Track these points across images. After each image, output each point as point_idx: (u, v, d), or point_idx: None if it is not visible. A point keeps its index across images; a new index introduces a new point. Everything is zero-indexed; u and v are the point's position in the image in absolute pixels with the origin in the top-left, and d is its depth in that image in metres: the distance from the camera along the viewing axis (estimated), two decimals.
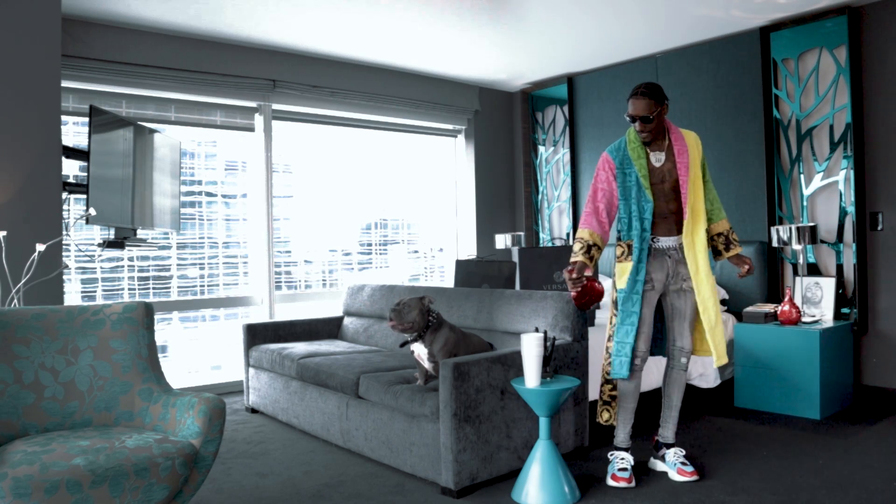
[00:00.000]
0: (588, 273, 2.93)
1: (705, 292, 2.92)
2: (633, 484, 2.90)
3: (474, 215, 6.39)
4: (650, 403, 3.99)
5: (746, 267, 3.04)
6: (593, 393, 3.55)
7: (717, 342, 2.93)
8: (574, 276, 2.87)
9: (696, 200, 2.94)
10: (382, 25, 4.65)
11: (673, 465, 2.99)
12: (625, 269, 2.98)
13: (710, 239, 3.09)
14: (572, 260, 2.96)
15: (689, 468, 2.95)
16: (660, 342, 3.16)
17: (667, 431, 3.10)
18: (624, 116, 3.15)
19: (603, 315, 4.30)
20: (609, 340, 3.05)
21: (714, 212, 3.08)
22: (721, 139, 4.94)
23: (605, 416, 3.12)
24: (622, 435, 3.06)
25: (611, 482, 2.92)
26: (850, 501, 2.66)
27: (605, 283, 5.19)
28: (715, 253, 3.11)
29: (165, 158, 4.43)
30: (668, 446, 3.08)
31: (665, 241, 2.99)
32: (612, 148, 3.04)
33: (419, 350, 3.12)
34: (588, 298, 2.91)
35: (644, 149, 2.99)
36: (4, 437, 2.27)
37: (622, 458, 2.99)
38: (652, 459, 3.16)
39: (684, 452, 3.05)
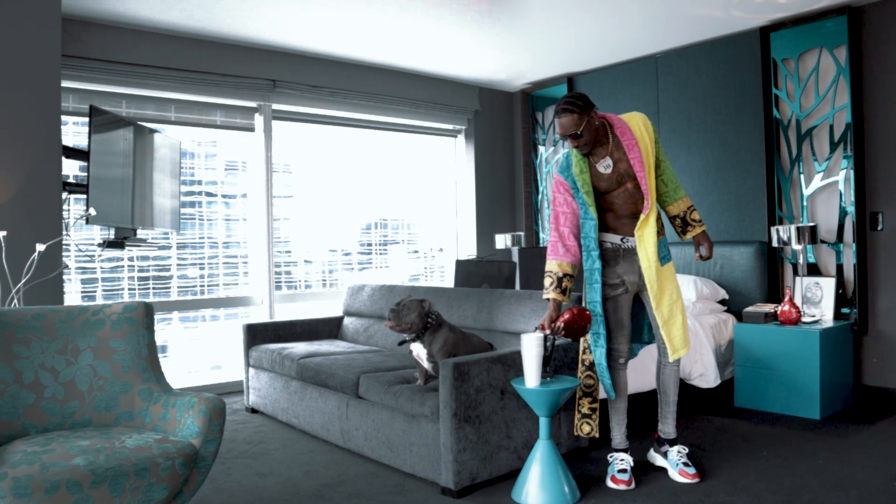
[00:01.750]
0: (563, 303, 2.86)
1: (654, 287, 2.85)
2: (632, 486, 2.89)
3: (474, 215, 6.39)
4: (649, 403, 3.99)
5: (704, 249, 2.98)
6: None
7: (673, 336, 2.89)
8: (551, 325, 2.79)
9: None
10: (382, 25, 4.65)
11: (675, 464, 2.98)
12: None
13: (671, 220, 3.04)
14: (545, 296, 2.88)
15: (692, 470, 2.94)
16: (645, 330, 3.12)
17: (667, 427, 3.08)
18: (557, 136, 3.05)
19: None
20: (584, 353, 3.03)
21: (668, 193, 2.98)
22: (721, 139, 4.94)
23: (586, 429, 3.06)
24: (618, 436, 3.04)
25: (611, 484, 2.91)
26: (850, 501, 2.66)
27: None
28: (676, 230, 3.04)
29: (165, 158, 4.43)
30: (671, 443, 3.05)
31: (632, 241, 2.92)
32: (561, 168, 2.93)
33: (418, 350, 3.12)
34: (579, 327, 2.78)
35: (586, 161, 2.87)
36: (4, 437, 2.27)
37: (622, 460, 2.97)
38: (652, 453, 3.16)
39: (687, 451, 3.03)
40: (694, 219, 3.01)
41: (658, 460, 3.11)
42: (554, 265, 2.89)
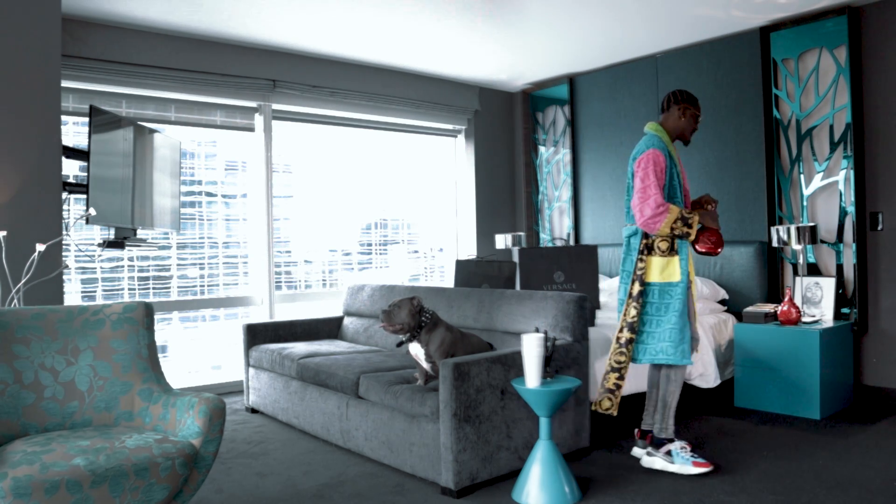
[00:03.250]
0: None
1: (696, 283, 3.18)
2: (712, 467, 3.04)
3: (474, 215, 6.39)
4: (637, 406, 3.99)
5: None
6: (594, 393, 3.55)
7: (696, 329, 3.25)
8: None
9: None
10: (382, 25, 4.65)
11: (687, 460, 3.12)
12: (668, 263, 3.11)
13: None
14: (695, 226, 3.03)
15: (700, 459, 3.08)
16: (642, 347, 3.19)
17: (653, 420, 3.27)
18: (694, 113, 3.25)
19: (604, 315, 4.29)
20: (620, 331, 3.12)
21: None
22: (721, 139, 4.94)
23: (606, 404, 3.16)
24: (673, 426, 3.17)
25: (695, 469, 3.00)
26: (850, 501, 2.66)
27: (604, 283, 5.20)
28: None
29: (165, 158, 4.43)
30: (671, 440, 3.17)
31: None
32: (659, 146, 3.11)
33: (415, 350, 3.12)
34: (718, 241, 3.08)
35: (676, 151, 3.24)
36: (4, 437, 2.27)
37: (683, 447, 3.08)
38: (635, 449, 3.29)
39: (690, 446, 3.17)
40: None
41: (639, 453, 3.25)
42: (675, 211, 3.04)
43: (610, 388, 3.14)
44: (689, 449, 3.07)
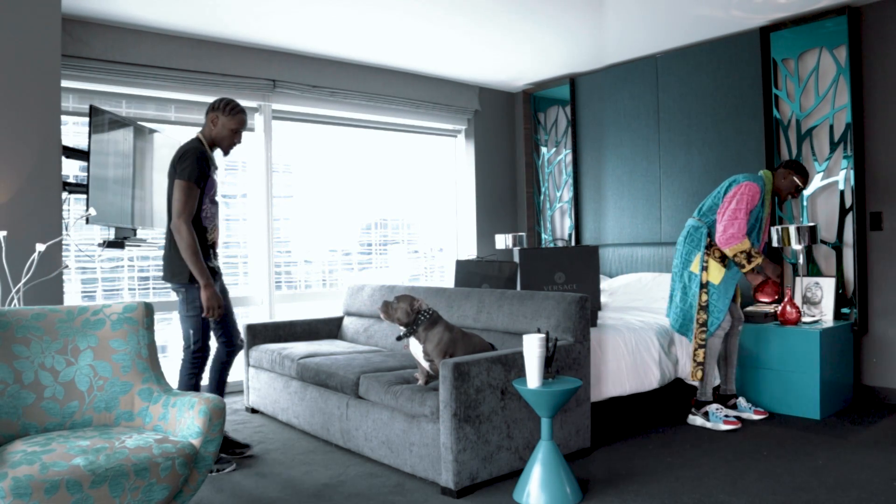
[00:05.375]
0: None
1: None
2: (741, 425, 3.75)
3: (474, 215, 6.39)
4: (645, 405, 4.00)
5: (770, 272, 3.97)
6: (595, 394, 3.55)
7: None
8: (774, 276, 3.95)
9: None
10: (382, 25, 4.65)
11: (748, 408, 3.93)
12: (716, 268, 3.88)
13: (732, 257, 3.86)
14: (755, 264, 3.73)
15: (761, 408, 3.98)
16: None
17: (731, 385, 4.03)
18: (796, 183, 3.90)
19: (606, 315, 4.30)
20: (699, 313, 3.88)
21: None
22: (721, 139, 4.94)
23: (699, 373, 3.85)
24: (710, 391, 3.88)
25: (724, 426, 3.68)
26: (850, 501, 2.66)
27: (605, 283, 5.20)
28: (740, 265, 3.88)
29: (165, 158, 4.42)
30: (735, 396, 4.00)
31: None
32: (760, 185, 3.79)
33: (414, 347, 3.12)
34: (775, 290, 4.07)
35: (770, 200, 3.88)
36: (4, 437, 2.27)
37: (718, 408, 3.78)
38: (690, 416, 3.86)
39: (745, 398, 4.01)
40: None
41: (698, 421, 3.82)
42: (747, 243, 3.74)
43: (700, 362, 3.84)
44: (723, 410, 3.77)
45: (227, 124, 3.30)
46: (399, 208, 6.12)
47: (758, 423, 3.82)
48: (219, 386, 3.53)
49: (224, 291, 3.47)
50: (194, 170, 3.18)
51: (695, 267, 3.87)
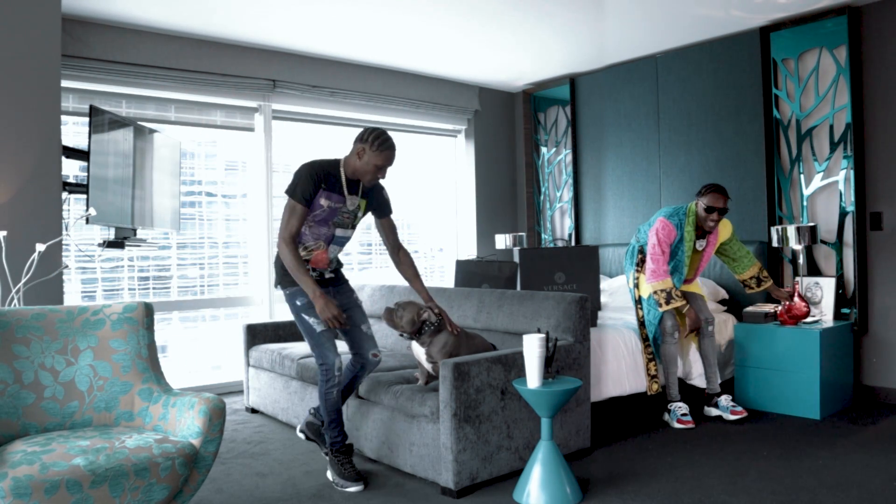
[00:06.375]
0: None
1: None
2: (694, 426, 3.75)
3: (474, 215, 6.39)
4: (645, 405, 4.00)
5: (781, 295, 4.11)
6: (595, 394, 3.55)
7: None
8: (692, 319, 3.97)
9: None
10: (383, 25, 4.65)
11: (726, 408, 3.87)
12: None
13: (742, 282, 4.15)
14: (673, 306, 3.80)
15: (739, 408, 3.85)
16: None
17: (713, 385, 3.97)
18: (706, 206, 3.80)
19: (606, 315, 4.30)
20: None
21: (740, 263, 4.12)
22: (721, 139, 4.94)
23: (655, 387, 3.83)
24: (675, 391, 3.89)
25: (677, 425, 3.74)
26: (850, 501, 2.66)
27: (605, 283, 5.20)
28: (748, 287, 4.14)
29: (165, 158, 4.43)
30: (718, 395, 3.94)
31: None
32: (674, 222, 3.83)
33: (416, 349, 3.12)
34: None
35: (694, 233, 3.88)
36: (4, 437, 2.27)
37: (679, 406, 3.82)
38: (706, 408, 3.96)
39: (731, 397, 3.95)
40: (765, 276, 4.11)
41: (713, 412, 3.91)
42: (668, 283, 3.82)
43: (653, 374, 3.84)
44: (730, 399, 3.90)
45: (373, 160, 2.89)
46: (399, 208, 6.10)
47: (759, 423, 3.82)
48: (342, 392, 3.15)
49: (352, 304, 3.18)
50: (297, 185, 2.90)
51: (630, 283, 4.04)
